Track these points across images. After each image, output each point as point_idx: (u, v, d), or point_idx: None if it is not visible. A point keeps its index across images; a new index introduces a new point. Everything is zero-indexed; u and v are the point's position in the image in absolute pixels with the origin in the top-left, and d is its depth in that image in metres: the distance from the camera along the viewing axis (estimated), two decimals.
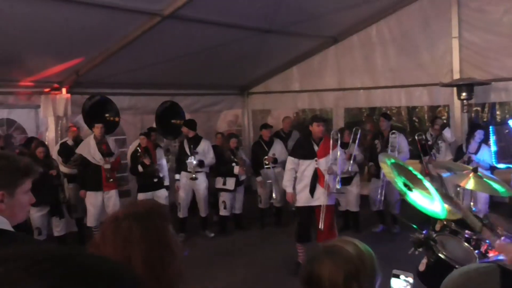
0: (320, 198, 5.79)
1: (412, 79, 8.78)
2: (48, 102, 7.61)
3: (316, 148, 5.87)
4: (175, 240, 1.24)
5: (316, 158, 5.83)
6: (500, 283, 1.01)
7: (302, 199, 5.88)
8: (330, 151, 5.83)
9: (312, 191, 5.80)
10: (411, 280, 1.82)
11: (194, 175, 7.49)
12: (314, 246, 5.56)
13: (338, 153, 5.97)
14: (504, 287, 1.01)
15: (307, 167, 5.84)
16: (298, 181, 5.93)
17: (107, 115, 7.73)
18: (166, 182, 7.64)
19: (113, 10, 5.93)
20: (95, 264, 0.68)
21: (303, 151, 5.94)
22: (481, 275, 1.05)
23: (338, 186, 5.89)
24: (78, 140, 7.45)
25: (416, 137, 7.51)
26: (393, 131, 7.45)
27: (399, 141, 7.32)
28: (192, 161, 7.43)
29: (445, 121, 8.48)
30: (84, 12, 5.83)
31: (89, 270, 0.65)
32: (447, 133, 7.54)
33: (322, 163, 5.81)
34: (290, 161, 6.03)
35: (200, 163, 7.55)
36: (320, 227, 5.74)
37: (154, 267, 1.10)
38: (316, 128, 5.85)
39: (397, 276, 1.84)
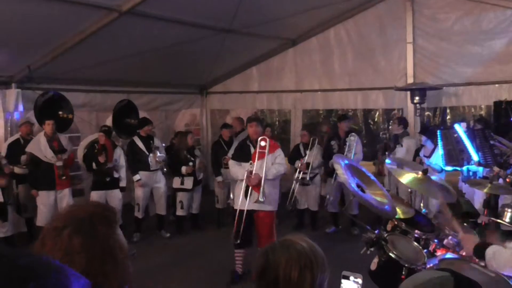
0: (254, 203, 5.53)
1: (368, 82, 9.00)
2: None
3: (252, 150, 5.67)
4: (120, 244, 1.19)
5: (251, 161, 5.61)
6: None
7: (238, 202, 5.66)
8: (266, 155, 5.54)
9: (246, 194, 5.57)
10: (360, 281, 1.86)
11: (165, 169, 7.56)
12: (254, 252, 5.46)
13: (276, 156, 5.65)
14: None
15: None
16: (237, 184, 5.81)
17: (60, 112, 7.49)
18: (123, 183, 7.47)
19: (69, 4, 5.77)
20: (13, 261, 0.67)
21: (241, 153, 5.80)
22: (435, 286, 1.08)
23: (260, 199, 5.45)
24: (29, 138, 7.20)
25: (380, 135, 7.71)
26: (352, 133, 7.59)
27: (356, 143, 7.47)
28: (162, 155, 7.52)
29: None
30: (38, 5, 5.64)
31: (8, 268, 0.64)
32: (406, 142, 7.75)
33: (257, 166, 5.55)
34: (232, 165, 5.89)
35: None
36: (238, 230, 5.54)
37: (95, 277, 1.06)
38: (249, 130, 5.75)
39: (347, 278, 1.87)
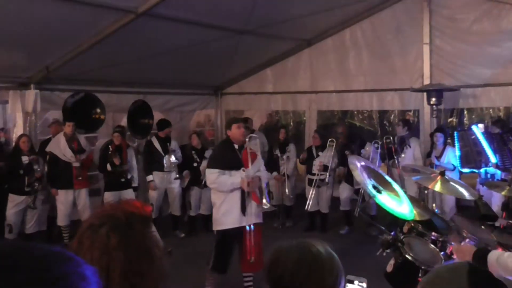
0: (252, 215, 4.93)
1: (384, 83, 8.93)
2: (17, 97, 7.42)
3: (240, 155, 4.98)
4: (157, 244, 1.20)
5: (243, 168, 4.88)
6: (467, 278, 1.06)
7: (231, 219, 4.92)
8: (250, 160, 4.97)
9: (243, 208, 4.88)
10: (365, 285, 1.84)
11: (177, 175, 7.64)
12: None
13: (261, 163, 5.19)
14: (472, 282, 1.07)
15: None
16: (223, 199, 4.94)
17: (94, 111, 7.72)
18: (135, 183, 7.54)
19: (86, 6, 5.83)
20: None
21: (228, 159, 4.95)
22: (449, 271, 1.10)
23: (266, 204, 4.99)
24: None
25: (384, 140, 7.64)
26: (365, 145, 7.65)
27: (370, 152, 7.48)
28: (176, 160, 7.60)
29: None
30: (55, 7, 5.71)
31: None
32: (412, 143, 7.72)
33: (250, 173, 4.88)
34: (214, 174, 4.89)
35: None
36: (249, 251, 4.94)
37: (133, 277, 1.07)
38: (237, 131, 4.95)
39: (352, 282, 1.85)
